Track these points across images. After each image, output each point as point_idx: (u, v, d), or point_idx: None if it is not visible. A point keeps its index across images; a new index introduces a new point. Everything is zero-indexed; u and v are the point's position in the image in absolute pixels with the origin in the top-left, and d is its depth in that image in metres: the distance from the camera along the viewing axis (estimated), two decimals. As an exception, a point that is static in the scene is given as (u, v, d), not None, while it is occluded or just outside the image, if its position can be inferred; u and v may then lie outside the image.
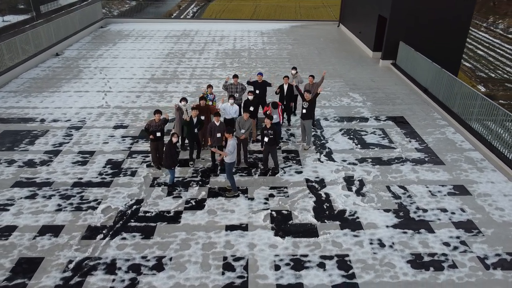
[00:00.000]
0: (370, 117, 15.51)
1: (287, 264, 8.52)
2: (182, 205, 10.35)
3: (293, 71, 14.58)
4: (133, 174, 11.69)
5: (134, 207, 10.28)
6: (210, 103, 13.36)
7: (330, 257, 8.72)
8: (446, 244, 9.10)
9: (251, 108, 12.87)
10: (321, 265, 8.50)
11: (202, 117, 12.25)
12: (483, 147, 13.03)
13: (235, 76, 13.92)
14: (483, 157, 12.63)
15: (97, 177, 11.51)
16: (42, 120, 14.97)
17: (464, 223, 9.76)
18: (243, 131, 11.64)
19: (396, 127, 14.66)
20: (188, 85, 18.60)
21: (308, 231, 9.50)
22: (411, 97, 17.51)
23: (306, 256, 8.75)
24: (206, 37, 27.61)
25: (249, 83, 14.16)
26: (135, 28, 30.09)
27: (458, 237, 9.30)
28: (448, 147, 13.29)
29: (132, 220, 9.80)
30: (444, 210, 10.22)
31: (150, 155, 12.59)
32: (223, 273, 8.28)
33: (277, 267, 8.44)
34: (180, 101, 12.51)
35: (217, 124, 11.43)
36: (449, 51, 20.52)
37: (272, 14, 65.01)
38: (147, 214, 10.02)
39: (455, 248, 8.99)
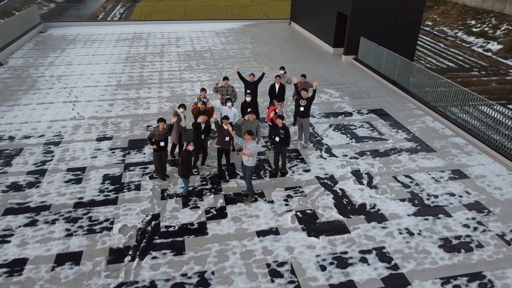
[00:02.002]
0: (353, 111, 16.00)
1: (331, 263, 8.54)
2: (203, 216, 9.92)
3: (281, 71, 14.57)
4: (138, 188, 10.96)
5: (153, 222, 9.65)
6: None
7: (369, 251, 8.88)
8: (466, 225, 9.70)
9: (249, 110, 12.64)
10: (364, 260, 8.63)
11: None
12: (463, 132, 14.05)
13: (226, 79, 13.60)
14: (466, 142, 13.61)
15: (99, 195, 10.63)
16: (11, 138, 13.47)
17: (474, 205, 10.47)
18: (250, 133, 11.41)
19: (380, 119, 15.28)
20: (161, 90, 17.81)
21: (338, 228, 9.59)
22: (382, 90, 18.34)
23: (346, 253, 8.83)
24: (161, 39, 26.61)
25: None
26: (80, 32, 28.14)
27: (473, 218, 9.95)
28: (432, 134, 14.14)
29: (156, 237, 9.20)
30: (452, 194, 10.87)
31: (149, 166, 11.90)
32: (272, 281, 8.08)
33: (323, 268, 8.42)
34: (178, 108, 11.96)
35: (226, 127, 11.09)
36: (404, 45, 21.73)
37: (203, 13, 64.43)
38: (170, 229, 9.46)
39: (475, 228, 9.61)
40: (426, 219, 9.90)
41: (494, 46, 44.79)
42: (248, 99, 12.73)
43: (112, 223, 9.61)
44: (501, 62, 39.91)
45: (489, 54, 42.87)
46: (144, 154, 12.61)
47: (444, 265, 8.52)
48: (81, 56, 22.69)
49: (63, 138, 13.53)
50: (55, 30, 28.61)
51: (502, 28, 47.88)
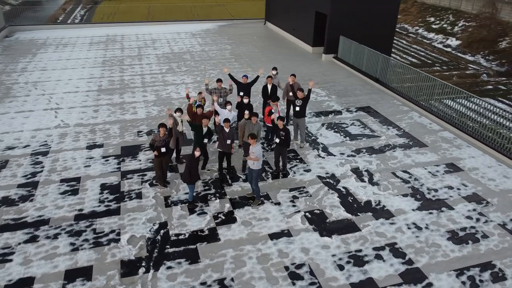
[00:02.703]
0: (342, 109, 16.20)
1: (348, 262, 8.59)
2: (212, 221, 9.73)
3: (273, 72, 14.52)
4: (139, 196, 10.62)
5: (162, 231, 9.37)
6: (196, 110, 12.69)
7: (382, 248, 9.00)
8: (469, 217, 10.02)
9: (246, 112, 12.54)
10: (379, 257, 8.74)
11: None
12: (450, 126, 14.54)
13: (219, 80, 13.40)
14: (454, 136, 14.08)
15: (99, 206, 10.21)
16: (-6, 149, 12.73)
17: (472, 196, 10.83)
18: (252, 136, 11.29)
19: (369, 116, 15.55)
20: (146, 94, 17.35)
21: (349, 226, 9.67)
22: (366, 87, 18.67)
23: (360, 251, 8.91)
24: (136, 42, 25.94)
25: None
26: (49, 36, 26.98)
27: (474, 210, 10.30)
28: (421, 130, 14.52)
29: (167, 246, 8.93)
30: (450, 188, 11.20)
31: (147, 173, 11.57)
32: (293, 283, 8.04)
33: (341, 267, 8.46)
34: (175, 112, 11.67)
35: (227, 130, 10.94)
36: (381, 43, 22.17)
37: (168, 14, 63.60)
38: (180, 237, 9.22)
39: (478, 220, 9.94)
40: (431, 213, 10.15)
41: (453, 42, 46.75)
42: (246, 100, 12.61)
43: (118, 234, 9.25)
44: (460, 57, 41.81)
45: (449, 49, 44.78)
46: (140, 160, 12.24)
47: (455, 257, 8.77)
48: (55, 60, 21.75)
49: (50, 147, 12.91)
50: (22, 34, 27.29)
51: (460, 25, 50.00)
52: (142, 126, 14.41)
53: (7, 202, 10.27)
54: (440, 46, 46.27)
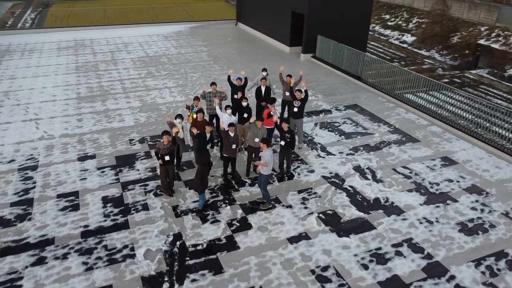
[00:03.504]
0: (331, 108, 16.36)
1: (371, 261, 8.66)
2: (227, 229, 9.51)
3: (264, 73, 14.39)
4: (146, 207, 10.20)
5: (178, 243, 9.05)
6: (195, 115, 12.38)
7: (400, 244, 9.15)
8: (474, 208, 10.39)
9: (245, 115, 12.39)
10: (399, 253, 8.87)
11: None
12: (437, 121, 15.04)
13: (213, 84, 13.12)
14: (443, 130, 14.58)
15: (105, 220, 9.71)
16: (-25, 166, 11.81)
17: (472, 188, 11.25)
18: (257, 139, 11.14)
19: (359, 114, 15.79)
20: (130, 100, 16.73)
21: (364, 225, 9.76)
22: (349, 85, 18.97)
23: (380, 249, 9.01)
24: (108, 46, 24.97)
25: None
26: (11, 42, 25.43)
27: (477, 201, 10.69)
28: (411, 125, 14.93)
29: (187, 258, 8.63)
30: (450, 181, 11.57)
31: (149, 182, 11.14)
32: (323, 287, 7.99)
33: (365, 266, 8.51)
34: (176, 118, 11.30)
35: (232, 134, 10.73)
36: (356, 40, 22.60)
37: (125, 17, 62.09)
38: (198, 247, 8.94)
39: (482, 210, 10.33)
40: (438, 207, 10.44)
41: (409, 38, 48.61)
42: (245, 103, 12.43)
43: (132, 249, 8.84)
44: (416, 53, 43.56)
45: (405, 45, 46.52)
46: (138, 170, 11.77)
47: (470, 248, 9.06)
48: (23, 68, 20.52)
49: (38, 161, 12.14)
50: (-19, 41, 25.59)
51: (414, 21, 52.04)
52: (133, 134, 13.87)
53: (3, 223, 9.54)
54: (397, 42, 47.95)
